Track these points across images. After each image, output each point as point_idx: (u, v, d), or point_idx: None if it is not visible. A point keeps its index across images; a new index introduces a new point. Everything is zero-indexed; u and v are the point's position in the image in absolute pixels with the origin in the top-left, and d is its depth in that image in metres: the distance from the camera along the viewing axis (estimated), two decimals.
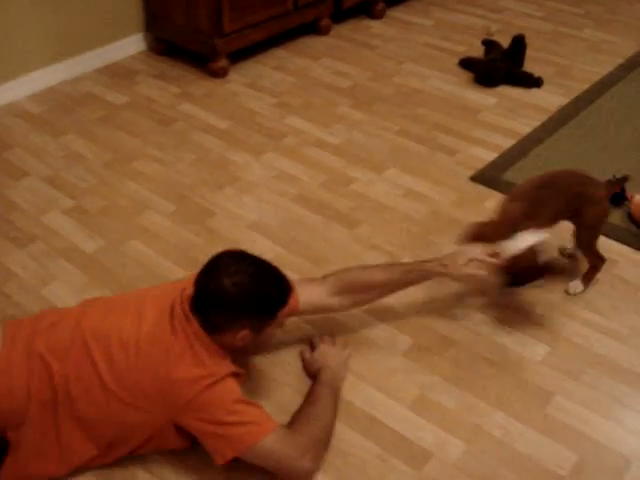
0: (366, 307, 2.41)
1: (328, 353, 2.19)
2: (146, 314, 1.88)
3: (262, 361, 2.23)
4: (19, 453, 1.84)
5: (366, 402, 2.12)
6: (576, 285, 2.49)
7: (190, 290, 1.89)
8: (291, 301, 1.94)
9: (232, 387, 1.84)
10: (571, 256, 2.63)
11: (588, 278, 2.49)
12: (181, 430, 1.85)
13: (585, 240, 2.42)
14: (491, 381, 2.18)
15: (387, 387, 2.16)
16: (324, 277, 2.20)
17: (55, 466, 1.87)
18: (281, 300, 1.89)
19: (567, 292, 2.49)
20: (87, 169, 3.11)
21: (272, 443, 1.78)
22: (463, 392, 2.15)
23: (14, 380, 1.82)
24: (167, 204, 2.90)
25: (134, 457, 1.93)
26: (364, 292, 2.21)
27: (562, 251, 2.65)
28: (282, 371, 2.21)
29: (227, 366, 1.86)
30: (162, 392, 1.79)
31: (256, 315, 1.86)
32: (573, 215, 2.35)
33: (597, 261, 2.46)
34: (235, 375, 1.88)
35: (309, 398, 2.00)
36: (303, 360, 2.22)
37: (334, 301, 2.16)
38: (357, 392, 2.15)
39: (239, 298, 1.80)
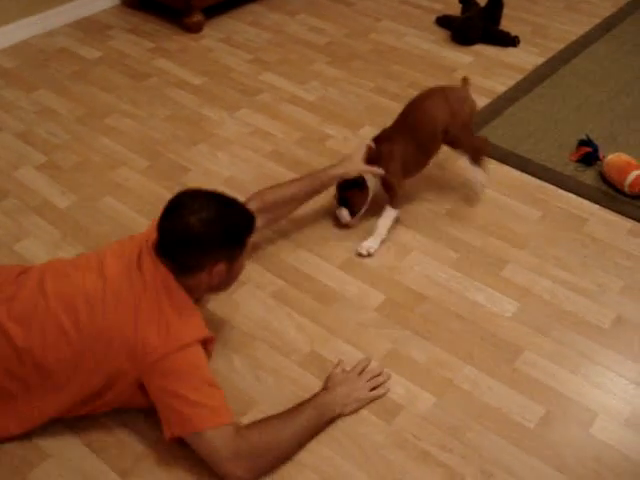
0: (339, 263, 2.43)
1: (345, 381, 2.02)
2: (109, 270, 1.85)
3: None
4: None
5: (338, 356, 2.13)
6: (477, 173, 2.64)
7: (153, 238, 1.87)
8: (255, 227, 1.98)
9: (199, 357, 1.81)
10: None
11: (478, 162, 2.63)
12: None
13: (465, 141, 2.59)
14: (461, 336, 2.21)
15: (359, 341, 2.19)
16: (247, 199, 2.28)
17: (15, 424, 1.87)
18: (248, 227, 1.92)
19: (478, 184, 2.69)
20: (60, 125, 3.08)
21: (215, 436, 1.74)
22: (433, 347, 2.18)
23: None
24: (141, 160, 2.88)
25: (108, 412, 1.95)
26: (278, 209, 2.37)
27: None
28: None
29: (196, 329, 1.83)
30: (130, 350, 1.76)
31: (228, 246, 1.87)
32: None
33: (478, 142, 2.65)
34: (205, 342, 1.86)
35: (287, 410, 1.89)
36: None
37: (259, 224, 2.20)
38: (329, 346, 2.17)
39: (209, 233, 1.80)
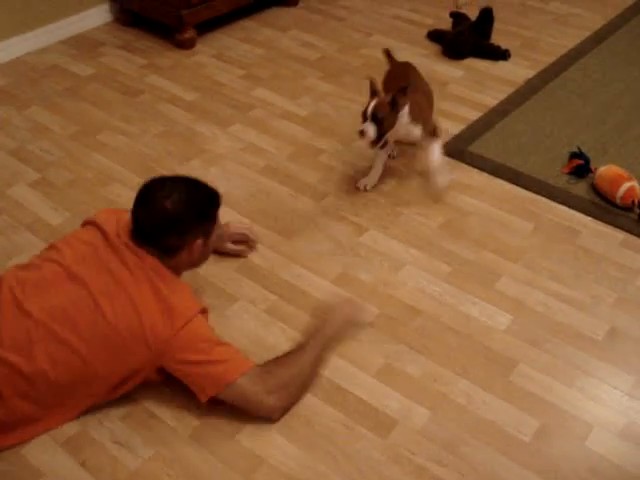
0: (332, 278, 2.44)
1: (337, 308, 2.22)
2: (84, 275, 1.90)
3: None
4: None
5: (332, 371, 2.13)
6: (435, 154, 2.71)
7: (125, 230, 1.96)
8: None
9: (204, 324, 1.94)
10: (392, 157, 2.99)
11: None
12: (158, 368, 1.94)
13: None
14: (456, 350, 2.21)
15: (353, 356, 2.18)
16: None
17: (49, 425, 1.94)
18: (215, 201, 2.05)
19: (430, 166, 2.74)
20: (53, 142, 3.08)
21: (246, 381, 1.89)
22: (428, 361, 2.18)
23: None
24: (133, 176, 2.88)
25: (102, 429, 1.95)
26: None
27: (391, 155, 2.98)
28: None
29: (192, 302, 1.94)
30: (144, 342, 1.85)
31: (201, 222, 2.00)
32: None
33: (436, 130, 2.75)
34: (201, 312, 1.96)
35: (296, 345, 2.07)
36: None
37: None
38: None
39: (183, 212, 1.93)
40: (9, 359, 1.81)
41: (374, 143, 2.54)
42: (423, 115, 2.67)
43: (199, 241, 1.99)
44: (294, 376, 1.98)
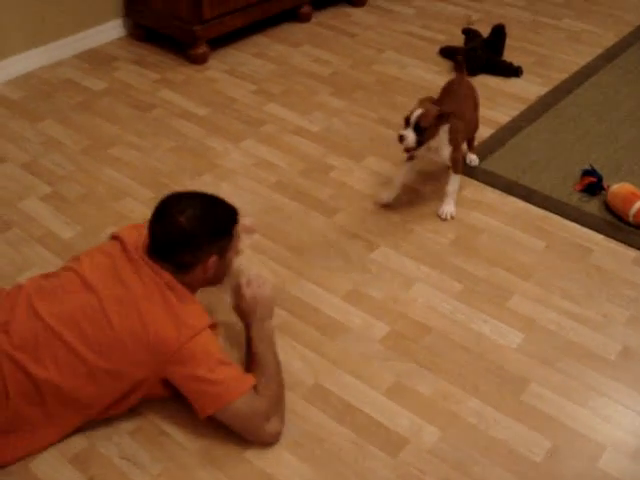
0: (343, 294, 2.43)
1: (254, 298, 2.10)
2: (97, 283, 1.91)
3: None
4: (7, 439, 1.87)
5: (342, 389, 2.12)
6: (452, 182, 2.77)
7: (143, 245, 1.96)
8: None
9: (211, 341, 1.92)
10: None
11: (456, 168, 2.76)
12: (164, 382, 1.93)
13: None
14: (467, 368, 2.20)
15: (363, 374, 2.17)
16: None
17: (49, 437, 1.93)
18: (232, 218, 2.03)
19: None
20: (65, 155, 3.09)
21: (244, 402, 1.87)
22: (439, 379, 2.16)
23: None
24: (145, 191, 2.89)
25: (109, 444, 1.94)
26: None
27: None
28: None
29: (202, 317, 1.94)
30: (146, 349, 1.84)
31: (216, 238, 1.98)
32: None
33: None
34: (211, 327, 1.95)
35: (255, 362, 2.01)
36: (235, 295, 2.16)
37: None
38: (333, 379, 2.15)
39: (199, 229, 1.92)
40: (16, 357, 1.82)
41: (410, 150, 2.58)
42: (457, 141, 2.70)
43: (213, 258, 1.97)
44: (277, 389, 1.97)
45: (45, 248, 2.59)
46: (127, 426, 1.99)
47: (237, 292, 2.14)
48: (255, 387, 1.93)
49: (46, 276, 2.05)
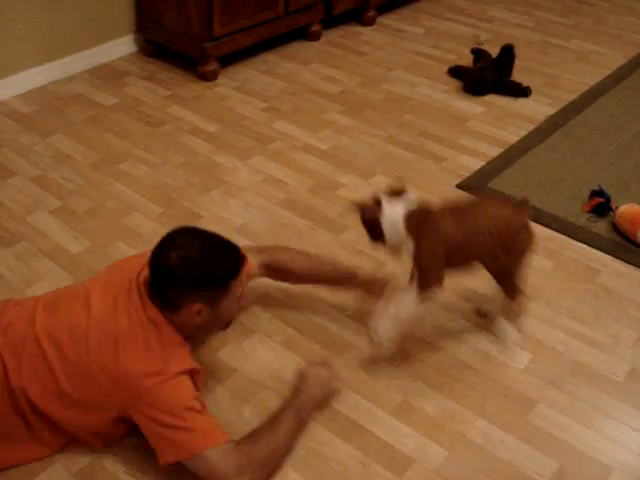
0: (351, 312, 2.42)
1: (310, 376, 2.07)
2: (94, 305, 1.87)
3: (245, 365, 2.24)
4: None
5: (349, 407, 2.12)
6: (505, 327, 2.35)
7: (146, 272, 1.90)
8: (244, 271, 1.93)
9: (185, 387, 1.82)
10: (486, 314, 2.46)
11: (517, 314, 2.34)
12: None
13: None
14: (474, 388, 2.19)
15: (370, 392, 2.17)
16: (261, 248, 2.31)
17: (36, 449, 1.91)
18: (230, 271, 1.88)
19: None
20: (74, 170, 3.11)
21: (215, 455, 1.76)
22: (446, 399, 2.16)
23: None
24: (154, 206, 2.90)
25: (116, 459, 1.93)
26: (285, 273, 2.32)
27: (479, 312, 2.46)
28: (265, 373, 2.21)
29: (182, 360, 1.84)
30: (115, 383, 1.79)
31: (205, 287, 1.85)
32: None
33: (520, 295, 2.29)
34: (191, 372, 1.86)
35: (270, 420, 1.93)
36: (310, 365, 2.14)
37: (258, 272, 2.24)
38: (340, 397, 2.15)
39: (184, 271, 1.81)
40: (4, 358, 1.83)
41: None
42: (423, 260, 2.09)
43: (200, 306, 1.84)
44: (272, 452, 1.87)
45: (54, 262, 2.60)
46: (131, 441, 1.99)
47: (314, 363, 2.12)
48: (243, 439, 1.85)
49: (67, 287, 2.04)
